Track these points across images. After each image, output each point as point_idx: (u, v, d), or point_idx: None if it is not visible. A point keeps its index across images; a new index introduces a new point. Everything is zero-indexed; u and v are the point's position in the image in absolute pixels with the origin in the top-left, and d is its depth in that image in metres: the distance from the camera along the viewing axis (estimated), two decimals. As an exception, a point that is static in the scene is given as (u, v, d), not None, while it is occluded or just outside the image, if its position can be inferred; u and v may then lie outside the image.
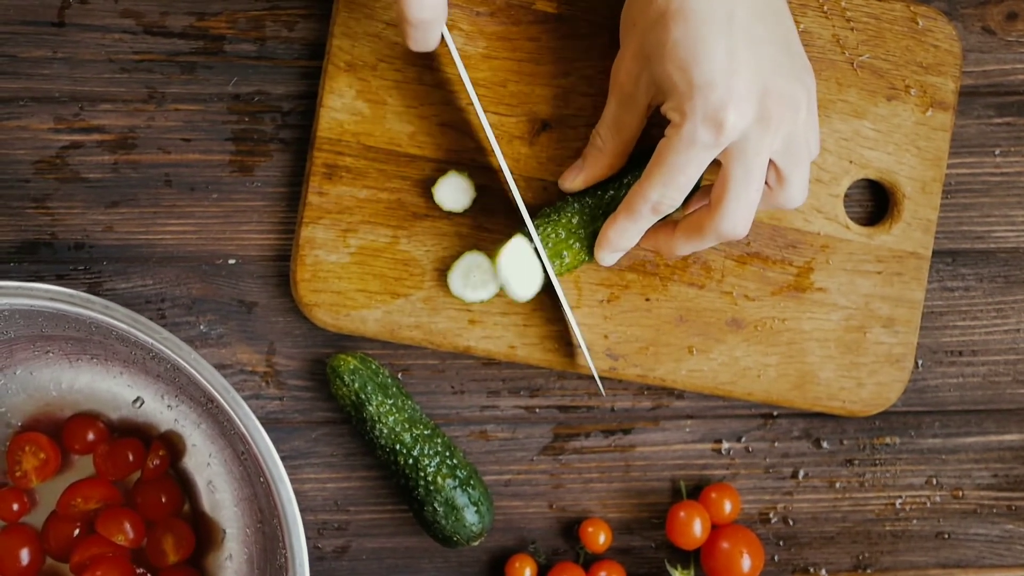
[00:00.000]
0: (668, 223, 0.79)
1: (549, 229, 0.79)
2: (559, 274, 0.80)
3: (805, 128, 0.74)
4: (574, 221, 0.79)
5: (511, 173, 0.79)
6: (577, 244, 0.79)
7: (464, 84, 0.77)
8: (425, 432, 0.82)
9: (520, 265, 0.80)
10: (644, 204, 0.75)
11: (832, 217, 0.84)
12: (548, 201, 0.83)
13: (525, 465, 0.86)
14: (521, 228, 0.81)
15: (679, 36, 0.71)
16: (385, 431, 0.82)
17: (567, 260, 0.79)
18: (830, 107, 0.84)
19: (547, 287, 0.82)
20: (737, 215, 0.74)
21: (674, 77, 0.71)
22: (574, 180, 0.80)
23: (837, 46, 0.84)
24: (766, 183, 0.76)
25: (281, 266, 0.85)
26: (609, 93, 0.78)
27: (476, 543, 0.83)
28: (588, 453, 0.86)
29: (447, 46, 0.78)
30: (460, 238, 0.82)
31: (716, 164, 0.74)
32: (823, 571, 0.88)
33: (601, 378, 0.85)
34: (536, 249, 0.79)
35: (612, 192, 0.79)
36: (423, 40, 0.74)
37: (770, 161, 0.74)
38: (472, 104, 0.82)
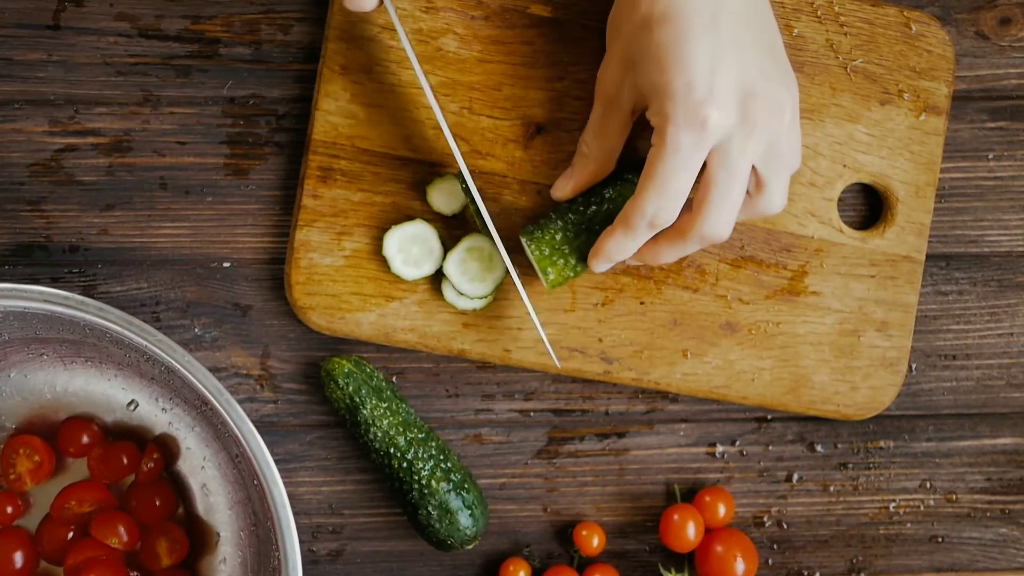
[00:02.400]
0: None
1: (533, 246, 0.79)
2: (547, 290, 0.80)
3: (788, 135, 0.74)
4: (557, 238, 0.79)
5: (471, 176, 0.79)
6: (561, 261, 0.79)
7: (416, 69, 0.77)
8: (419, 435, 0.82)
9: (412, 249, 0.81)
10: (641, 219, 0.74)
11: (826, 221, 0.84)
12: (543, 204, 0.83)
13: (519, 468, 0.86)
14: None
15: (662, 40, 0.71)
16: (379, 434, 0.82)
17: (551, 277, 0.79)
18: (824, 111, 0.84)
19: (542, 293, 0.83)
20: (719, 218, 0.74)
21: (656, 80, 0.72)
22: (564, 188, 0.80)
23: (831, 51, 0.84)
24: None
25: (276, 269, 0.85)
26: (595, 99, 0.78)
27: (470, 546, 0.83)
28: (582, 456, 0.86)
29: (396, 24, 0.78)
30: (454, 241, 0.83)
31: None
32: (817, 574, 0.88)
33: (595, 381, 0.85)
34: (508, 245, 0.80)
35: (594, 207, 0.79)
36: None
37: (751, 167, 0.74)
38: (467, 107, 0.82)
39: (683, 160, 0.72)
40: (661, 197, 0.73)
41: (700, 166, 0.73)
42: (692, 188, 0.73)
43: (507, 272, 0.82)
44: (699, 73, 0.70)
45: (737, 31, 0.72)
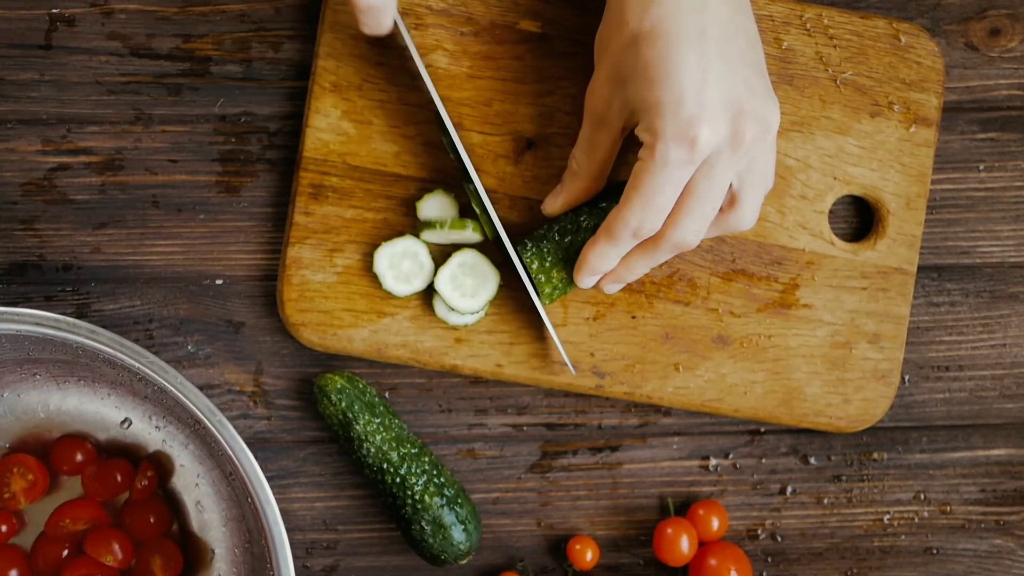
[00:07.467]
0: None
1: (528, 259, 0.79)
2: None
3: (768, 155, 0.74)
4: (534, 266, 0.79)
5: (484, 189, 0.80)
6: (553, 280, 0.80)
7: (425, 80, 0.78)
8: (412, 451, 0.82)
9: (402, 265, 0.81)
10: (624, 230, 0.74)
11: (817, 233, 0.84)
12: (534, 220, 0.83)
13: (513, 483, 0.86)
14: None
15: (650, 56, 0.71)
16: (372, 450, 0.82)
17: (546, 290, 0.79)
18: (814, 124, 0.84)
19: (533, 307, 0.83)
20: (692, 228, 0.74)
21: (645, 96, 0.72)
22: (554, 204, 0.81)
23: (820, 63, 0.84)
24: None
25: (268, 286, 0.85)
26: (584, 116, 0.78)
27: (464, 561, 0.83)
28: (576, 470, 0.86)
29: (412, 53, 0.78)
30: (444, 257, 0.83)
31: None
32: (811, 587, 0.88)
33: (588, 395, 0.85)
34: (521, 265, 0.80)
35: (569, 237, 0.79)
36: (374, 23, 0.74)
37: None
38: (457, 123, 0.82)
39: (671, 175, 0.72)
40: (646, 210, 0.73)
41: (687, 181, 0.73)
42: None
43: (499, 287, 0.82)
44: (688, 89, 0.70)
45: (725, 46, 0.72)
